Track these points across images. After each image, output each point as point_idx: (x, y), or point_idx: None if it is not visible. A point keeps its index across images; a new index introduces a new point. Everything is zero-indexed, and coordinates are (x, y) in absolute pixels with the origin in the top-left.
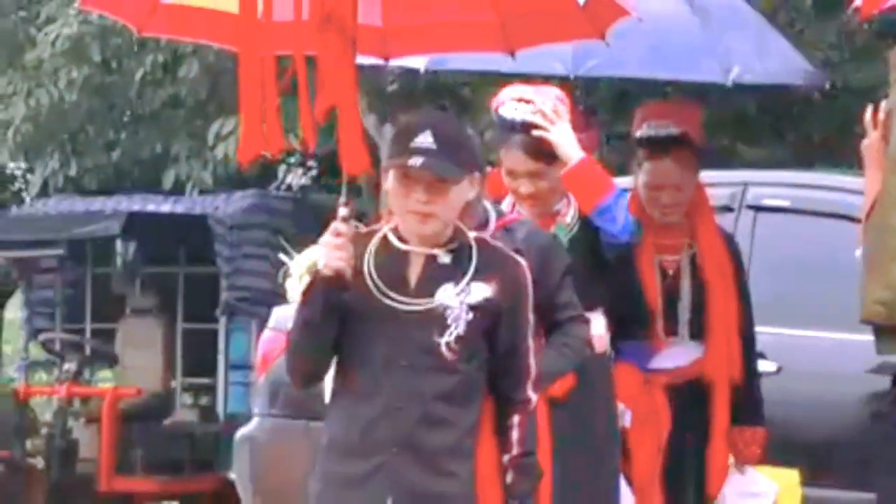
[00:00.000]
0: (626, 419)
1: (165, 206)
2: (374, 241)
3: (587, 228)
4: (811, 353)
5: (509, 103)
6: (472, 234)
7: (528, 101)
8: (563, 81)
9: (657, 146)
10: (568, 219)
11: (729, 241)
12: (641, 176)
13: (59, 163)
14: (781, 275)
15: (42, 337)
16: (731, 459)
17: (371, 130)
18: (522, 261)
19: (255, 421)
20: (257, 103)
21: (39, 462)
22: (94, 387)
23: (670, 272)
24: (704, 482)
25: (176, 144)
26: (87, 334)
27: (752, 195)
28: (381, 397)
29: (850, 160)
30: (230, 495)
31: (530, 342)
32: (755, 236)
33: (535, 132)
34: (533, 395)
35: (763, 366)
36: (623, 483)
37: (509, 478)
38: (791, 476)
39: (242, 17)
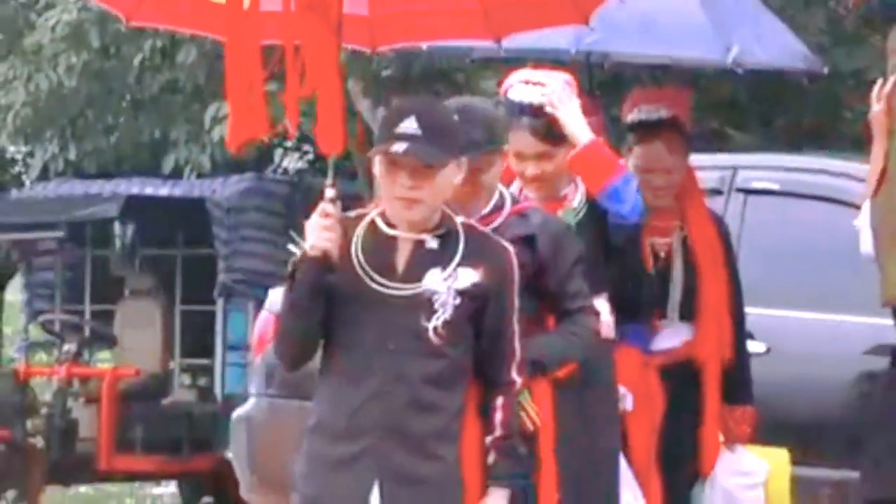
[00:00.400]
0: (627, 402)
1: (163, 190)
2: (362, 226)
3: (594, 213)
4: (800, 334)
5: (518, 86)
6: (459, 220)
7: (536, 83)
8: (564, 65)
9: (648, 130)
10: (575, 203)
11: (719, 223)
12: (632, 160)
13: (58, 147)
14: (771, 257)
15: (42, 318)
16: (721, 438)
17: (365, 114)
18: (509, 246)
19: (251, 401)
20: (244, 90)
21: (39, 441)
22: (93, 367)
23: (662, 254)
24: (697, 461)
25: (174, 129)
26: (87, 316)
27: (742, 178)
28: (368, 381)
29: (838, 144)
30: (227, 474)
31: (515, 326)
32: (745, 219)
33: (548, 110)
34: (517, 378)
35: (752, 346)
36: (624, 465)
37: (491, 458)
38: (781, 455)
39: (229, 6)
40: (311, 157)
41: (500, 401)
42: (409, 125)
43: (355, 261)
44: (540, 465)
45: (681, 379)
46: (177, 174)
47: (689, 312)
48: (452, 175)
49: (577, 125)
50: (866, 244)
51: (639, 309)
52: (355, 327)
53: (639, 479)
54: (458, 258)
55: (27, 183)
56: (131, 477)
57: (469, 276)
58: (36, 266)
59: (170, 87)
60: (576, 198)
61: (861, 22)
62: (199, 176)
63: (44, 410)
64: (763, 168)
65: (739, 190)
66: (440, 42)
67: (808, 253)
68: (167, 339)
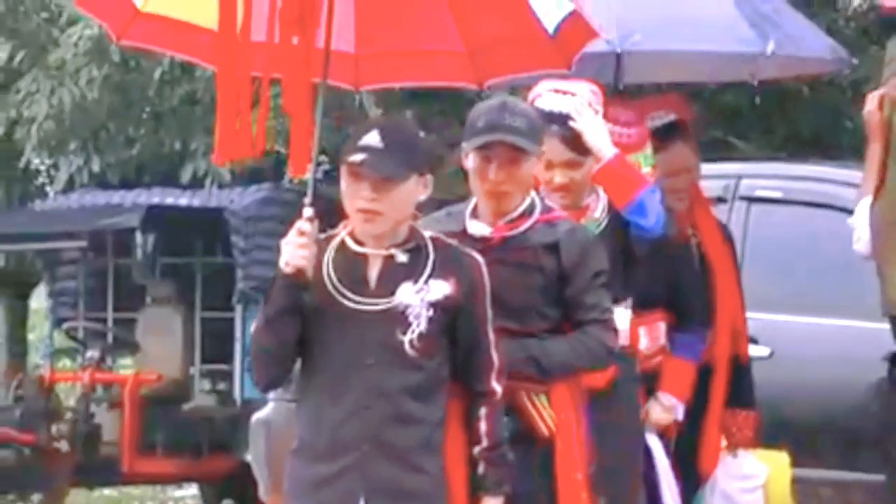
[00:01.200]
0: (678, 412)
1: (183, 200)
2: (332, 246)
3: (616, 223)
4: (802, 338)
5: (547, 94)
6: (427, 234)
7: (565, 92)
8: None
9: (668, 133)
10: (597, 213)
11: (724, 230)
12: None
13: (82, 159)
14: (774, 263)
15: (66, 325)
16: (724, 442)
17: None
18: (479, 258)
19: (270, 405)
20: (233, 115)
21: (64, 445)
22: (116, 373)
23: None
24: (696, 463)
25: (193, 140)
26: (110, 323)
27: (745, 186)
28: (348, 397)
29: (839, 153)
30: (247, 476)
31: (490, 336)
32: (748, 226)
33: (571, 124)
34: (497, 387)
35: (756, 350)
36: (667, 465)
37: (481, 469)
38: (781, 458)
39: (221, 35)
40: (326, 167)
41: (483, 411)
42: (372, 138)
43: (327, 279)
44: (555, 470)
45: (698, 382)
46: (196, 184)
47: (706, 318)
48: (414, 190)
49: (600, 139)
50: (860, 242)
51: (689, 319)
52: (331, 345)
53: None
54: (428, 271)
55: (51, 194)
56: (153, 479)
57: (441, 288)
58: (60, 275)
59: (189, 100)
60: (598, 208)
61: (860, 33)
62: (219, 186)
63: (68, 415)
64: (766, 177)
65: (743, 198)
66: (424, 84)
67: (811, 259)
68: (187, 345)
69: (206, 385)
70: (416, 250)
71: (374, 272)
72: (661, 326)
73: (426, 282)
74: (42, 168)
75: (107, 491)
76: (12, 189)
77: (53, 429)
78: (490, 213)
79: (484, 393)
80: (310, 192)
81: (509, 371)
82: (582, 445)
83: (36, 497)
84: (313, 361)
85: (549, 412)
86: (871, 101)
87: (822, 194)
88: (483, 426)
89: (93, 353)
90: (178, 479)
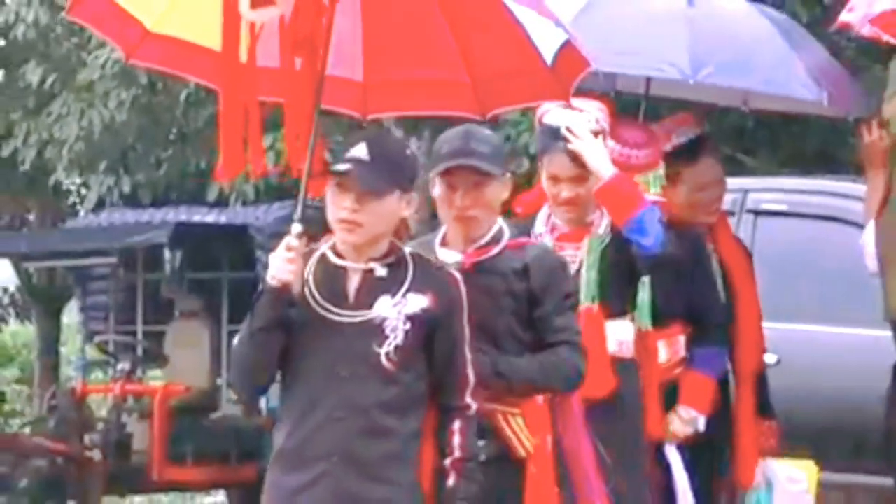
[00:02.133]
0: (699, 423)
1: (210, 217)
2: (314, 259)
3: (620, 240)
4: (808, 345)
5: (554, 111)
6: (407, 250)
7: (573, 108)
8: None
9: (694, 149)
10: (601, 230)
11: (741, 243)
12: (685, 184)
13: (112, 179)
14: (779, 273)
15: (98, 339)
16: None
17: None
18: (457, 275)
19: None
20: (237, 138)
21: (96, 454)
22: (146, 384)
23: None
24: (718, 472)
25: (219, 159)
26: (139, 336)
27: (752, 200)
28: (322, 408)
29: (842, 168)
30: None
31: (467, 353)
32: (755, 238)
33: (569, 146)
34: (472, 402)
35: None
36: (685, 477)
37: (451, 481)
38: (810, 466)
39: (224, 56)
40: None
41: (456, 424)
42: (359, 150)
43: (307, 292)
44: (527, 489)
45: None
46: (222, 202)
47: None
48: (397, 206)
49: (599, 159)
50: (872, 261)
51: (708, 333)
52: (309, 356)
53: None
54: (407, 285)
55: (82, 212)
56: (182, 487)
57: (418, 302)
58: (91, 290)
59: (214, 121)
60: (602, 224)
61: (861, 52)
62: (243, 203)
63: (100, 425)
64: (772, 190)
65: (750, 211)
66: (430, 113)
67: (815, 269)
68: (215, 357)
69: (233, 395)
70: (396, 265)
71: (353, 285)
72: (681, 340)
73: (404, 295)
74: (73, 188)
75: (137, 498)
76: (45, 208)
77: (86, 439)
78: (460, 240)
79: (458, 407)
80: (299, 208)
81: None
82: (554, 468)
83: None
84: (293, 372)
85: (525, 433)
86: (872, 131)
87: (826, 207)
88: (456, 439)
89: (123, 366)
90: (207, 486)
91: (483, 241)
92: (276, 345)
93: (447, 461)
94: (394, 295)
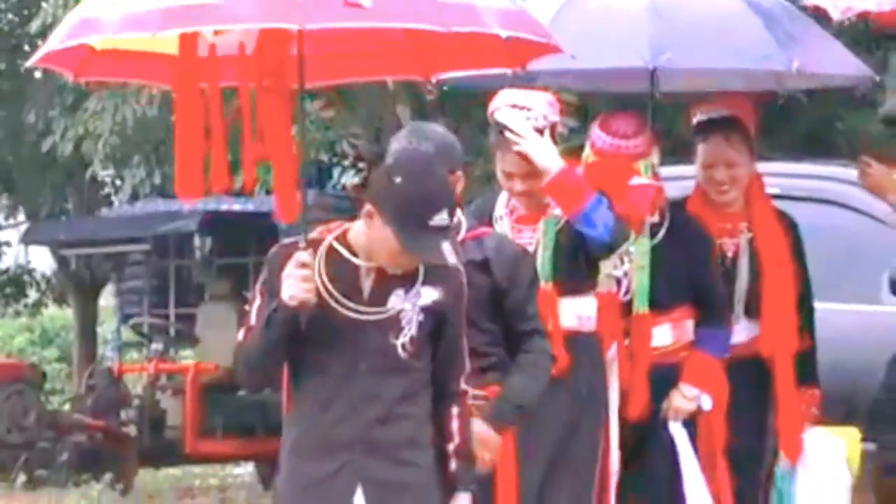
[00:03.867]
0: (704, 402)
1: (237, 206)
2: (321, 252)
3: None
4: None
5: (504, 109)
6: None
7: (522, 108)
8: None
9: (708, 127)
10: (557, 211)
11: (788, 223)
12: (698, 160)
13: (145, 172)
14: None
15: (132, 321)
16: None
17: None
18: (461, 268)
19: None
20: (195, 143)
21: (132, 429)
22: (178, 364)
23: (729, 255)
24: (763, 453)
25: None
26: (172, 318)
27: None
28: (342, 400)
29: (832, 152)
30: None
31: (465, 341)
32: None
33: (515, 148)
34: (467, 388)
35: None
36: (694, 463)
37: (454, 466)
38: (852, 433)
39: (182, 57)
40: (367, 173)
41: (454, 410)
42: (443, 218)
43: (322, 287)
44: (499, 474)
45: (745, 374)
46: (249, 192)
47: (753, 310)
48: None
49: (543, 155)
50: None
51: (711, 313)
52: (327, 351)
53: (706, 474)
54: (420, 278)
55: (116, 203)
56: (213, 459)
57: (430, 294)
58: (126, 275)
59: (241, 113)
60: (557, 206)
61: (853, 42)
62: (269, 193)
63: (135, 402)
64: (766, 174)
65: None
66: (370, 79)
67: (807, 249)
68: None
69: None
70: None
71: (367, 281)
72: (688, 324)
73: (417, 288)
74: (108, 179)
75: (171, 470)
76: (82, 199)
77: (122, 415)
78: None
79: (457, 393)
80: (304, 230)
81: (503, 426)
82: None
83: (107, 477)
84: (307, 365)
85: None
86: (872, 166)
87: (817, 190)
88: (455, 424)
89: (157, 346)
90: (236, 459)
91: None
92: (285, 353)
93: (450, 447)
94: (407, 288)
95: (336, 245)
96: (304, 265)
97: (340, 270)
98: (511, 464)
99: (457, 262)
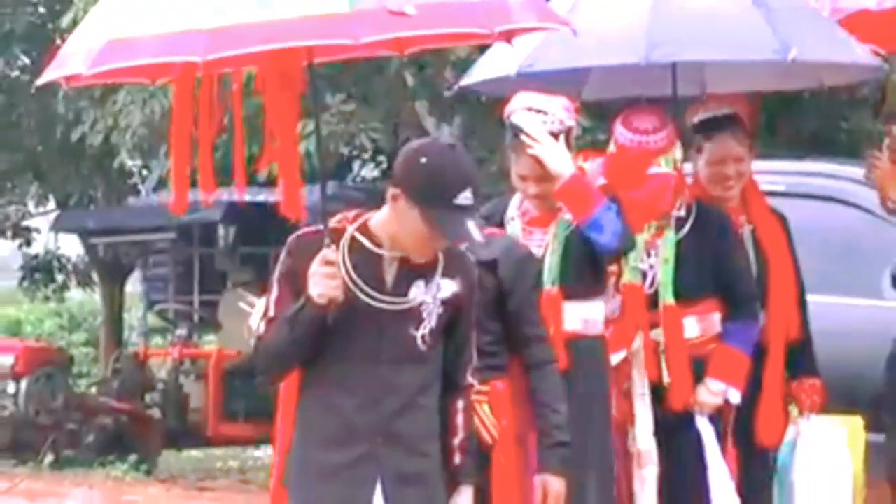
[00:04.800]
0: (730, 395)
1: (259, 196)
2: (344, 242)
3: None
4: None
5: (520, 112)
6: None
7: (538, 111)
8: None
9: (715, 124)
10: (568, 215)
11: (781, 218)
12: (703, 158)
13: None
14: None
15: (158, 307)
16: (795, 411)
17: (431, 130)
18: (474, 259)
19: None
20: (187, 150)
21: (156, 412)
22: (201, 349)
23: None
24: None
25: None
26: (196, 305)
27: None
28: (360, 390)
29: (836, 150)
30: None
31: (474, 334)
32: None
33: (529, 152)
34: (473, 382)
35: None
36: (716, 447)
37: (458, 459)
38: (856, 421)
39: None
40: (385, 166)
41: (460, 404)
42: (468, 196)
43: (346, 276)
44: (493, 472)
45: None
46: (271, 183)
47: (760, 299)
48: None
49: (557, 160)
50: None
51: (738, 307)
52: (347, 339)
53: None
54: (440, 270)
55: (143, 192)
56: (235, 442)
57: (450, 287)
58: (152, 263)
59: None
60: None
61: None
62: None
63: (160, 386)
64: (770, 172)
65: None
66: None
67: (810, 246)
68: None
69: None
70: None
71: (390, 272)
72: (714, 316)
73: (437, 281)
74: (135, 169)
75: (194, 452)
76: (110, 188)
77: (147, 398)
78: None
79: (464, 386)
80: (327, 238)
81: (565, 468)
82: (517, 453)
83: (132, 458)
84: (327, 352)
85: (491, 420)
86: (882, 160)
87: (820, 188)
88: (460, 418)
89: (181, 332)
90: (257, 442)
91: None
92: (312, 346)
93: (455, 441)
94: (428, 280)
95: (358, 235)
96: (329, 262)
97: (363, 260)
98: (512, 464)
99: (482, 239)
